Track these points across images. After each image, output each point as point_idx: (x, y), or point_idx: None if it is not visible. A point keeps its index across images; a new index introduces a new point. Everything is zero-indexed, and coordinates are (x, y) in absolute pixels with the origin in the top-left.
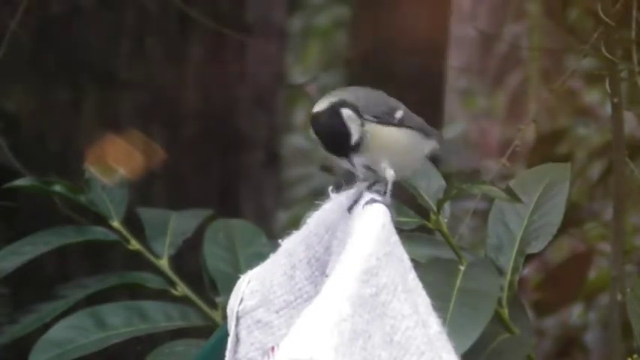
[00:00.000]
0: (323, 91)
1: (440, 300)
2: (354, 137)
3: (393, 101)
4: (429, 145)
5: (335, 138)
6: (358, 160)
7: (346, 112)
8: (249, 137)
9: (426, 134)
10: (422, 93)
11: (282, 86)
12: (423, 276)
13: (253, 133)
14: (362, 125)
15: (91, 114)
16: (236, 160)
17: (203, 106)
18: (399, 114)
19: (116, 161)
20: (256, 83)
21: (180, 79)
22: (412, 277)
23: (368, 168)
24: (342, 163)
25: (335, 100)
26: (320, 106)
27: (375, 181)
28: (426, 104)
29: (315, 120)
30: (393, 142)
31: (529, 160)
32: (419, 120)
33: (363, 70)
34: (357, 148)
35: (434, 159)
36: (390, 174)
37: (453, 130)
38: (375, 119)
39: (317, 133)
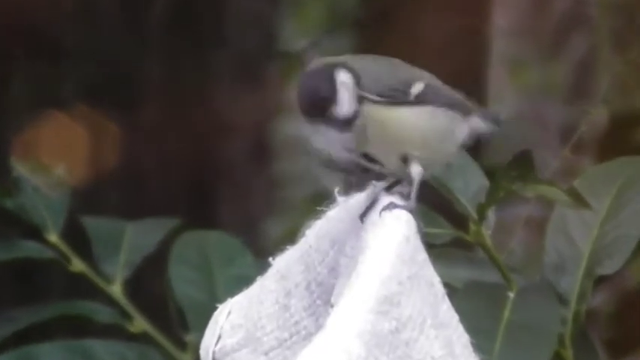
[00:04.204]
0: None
1: (482, 337)
2: (343, 108)
3: (412, 71)
4: (465, 128)
5: (312, 98)
6: (349, 143)
7: (342, 77)
8: (229, 122)
9: (462, 112)
10: (458, 62)
11: (274, 54)
12: (460, 305)
13: (235, 116)
14: (360, 103)
15: (22, 92)
16: (212, 153)
17: (169, 82)
18: (416, 88)
19: (54, 154)
20: (239, 50)
21: (139, 48)
22: (446, 307)
23: (374, 161)
24: (332, 146)
25: (334, 62)
26: (315, 64)
27: (396, 180)
28: (463, 77)
29: (301, 78)
30: (402, 128)
31: (599, 151)
32: (452, 94)
33: (378, 33)
34: (347, 125)
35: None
36: (415, 170)
37: (499, 111)
38: (379, 98)
39: (298, 93)
